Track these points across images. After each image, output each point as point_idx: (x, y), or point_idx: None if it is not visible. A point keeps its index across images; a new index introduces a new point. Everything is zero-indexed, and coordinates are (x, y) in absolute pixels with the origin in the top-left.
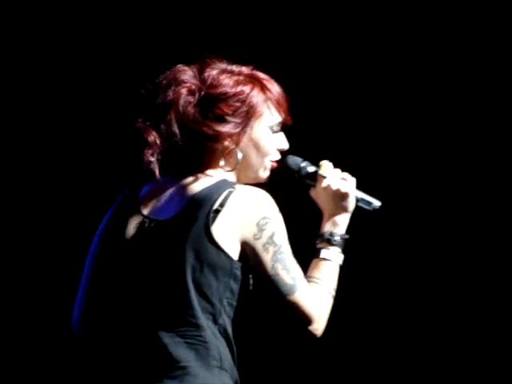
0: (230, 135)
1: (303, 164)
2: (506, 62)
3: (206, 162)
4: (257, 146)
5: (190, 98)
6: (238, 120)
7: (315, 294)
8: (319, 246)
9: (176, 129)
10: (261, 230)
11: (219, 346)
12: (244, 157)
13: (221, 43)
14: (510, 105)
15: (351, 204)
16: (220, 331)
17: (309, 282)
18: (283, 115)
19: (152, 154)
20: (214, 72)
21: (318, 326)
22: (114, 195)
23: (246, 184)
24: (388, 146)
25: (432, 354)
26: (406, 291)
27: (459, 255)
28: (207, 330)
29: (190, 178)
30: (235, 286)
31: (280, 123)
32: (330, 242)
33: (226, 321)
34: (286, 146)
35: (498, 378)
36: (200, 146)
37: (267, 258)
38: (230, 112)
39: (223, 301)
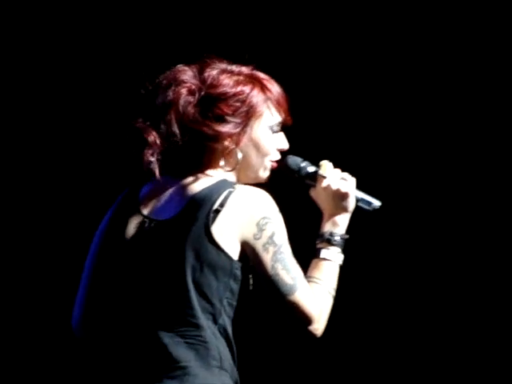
0: (230, 135)
1: (303, 164)
2: (506, 61)
3: (206, 162)
4: (257, 146)
5: (190, 98)
6: (238, 120)
7: (315, 294)
8: (319, 245)
9: (176, 129)
10: (261, 229)
11: (219, 346)
12: (244, 157)
13: (221, 43)
14: (509, 105)
15: (351, 204)
16: (220, 331)
17: (309, 281)
18: (283, 115)
19: (152, 154)
20: (214, 72)
21: (318, 326)
22: (114, 195)
23: (245, 184)
24: (387, 146)
25: (431, 354)
26: (406, 291)
27: (459, 255)
28: (207, 330)
29: (190, 178)
30: (235, 286)
31: (280, 123)
32: (330, 241)
33: (226, 321)
34: (286, 145)
35: (498, 377)
36: (200, 146)
37: (267, 257)
38: (230, 112)
39: (223, 301)
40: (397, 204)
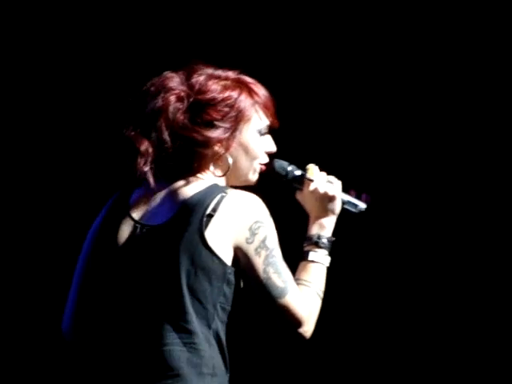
0: (220, 140)
1: (290, 168)
2: (505, 61)
3: (197, 168)
4: (246, 150)
5: (179, 105)
6: (227, 125)
7: (305, 296)
8: (307, 248)
9: (166, 136)
10: (253, 234)
11: (212, 353)
12: (233, 161)
13: (207, 48)
14: (501, 104)
15: (338, 206)
16: (213, 336)
17: (298, 284)
18: (270, 118)
19: (145, 163)
20: (202, 78)
21: (308, 328)
22: (106, 197)
23: (235, 187)
24: (373, 149)
25: (423, 354)
26: (394, 291)
27: (450, 256)
28: (200, 336)
29: (181, 183)
30: (228, 291)
31: (268, 126)
32: (317, 244)
33: (219, 326)
34: (273, 148)
35: (498, 377)
36: (190, 152)
37: (259, 261)
38: (219, 117)
39: (217, 305)
40: (383, 206)
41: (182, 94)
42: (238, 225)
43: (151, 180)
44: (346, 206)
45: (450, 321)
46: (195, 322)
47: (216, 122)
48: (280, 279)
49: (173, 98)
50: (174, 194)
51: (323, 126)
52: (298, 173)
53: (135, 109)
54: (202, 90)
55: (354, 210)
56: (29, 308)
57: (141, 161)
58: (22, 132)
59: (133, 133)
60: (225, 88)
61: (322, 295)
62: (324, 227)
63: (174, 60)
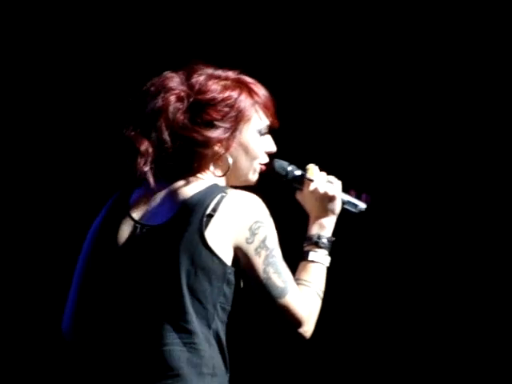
0: (220, 140)
1: (290, 168)
2: (505, 62)
3: (197, 168)
4: (246, 150)
5: (179, 105)
6: (227, 125)
7: (305, 296)
8: (307, 248)
9: (166, 136)
10: (253, 234)
11: (212, 353)
12: (234, 161)
13: (207, 48)
14: (500, 105)
15: (338, 206)
16: (213, 336)
17: (298, 284)
18: (270, 118)
19: (145, 164)
20: (202, 78)
21: (308, 328)
22: (106, 196)
23: (235, 187)
24: (372, 149)
25: (423, 354)
26: (394, 292)
27: (449, 256)
28: (200, 336)
29: (181, 183)
30: (228, 291)
31: (268, 126)
32: (317, 244)
33: (219, 326)
34: (273, 148)
35: (498, 377)
36: (190, 152)
37: (259, 261)
38: (219, 117)
39: (217, 305)
40: (382, 206)
41: (182, 93)
42: (238, 225)
43: (151, 180)
44: (346, 206)
45: (450, 321)
46: (195, 322)
47: (216, 122)
48: (280, 279)
49: (173, 98)
50: (174, 194)
51: (323, 126)
52: (298, 173)
53: (135, 109)
54: (202, 90)
55: (353, 210)
56: (29, 308)
57: (141, 161)
58: (22, 132)
59: (133, 133)
60: (225, 88)
61: (322, 295)
62: (324, 227)
63: (174, 60)
